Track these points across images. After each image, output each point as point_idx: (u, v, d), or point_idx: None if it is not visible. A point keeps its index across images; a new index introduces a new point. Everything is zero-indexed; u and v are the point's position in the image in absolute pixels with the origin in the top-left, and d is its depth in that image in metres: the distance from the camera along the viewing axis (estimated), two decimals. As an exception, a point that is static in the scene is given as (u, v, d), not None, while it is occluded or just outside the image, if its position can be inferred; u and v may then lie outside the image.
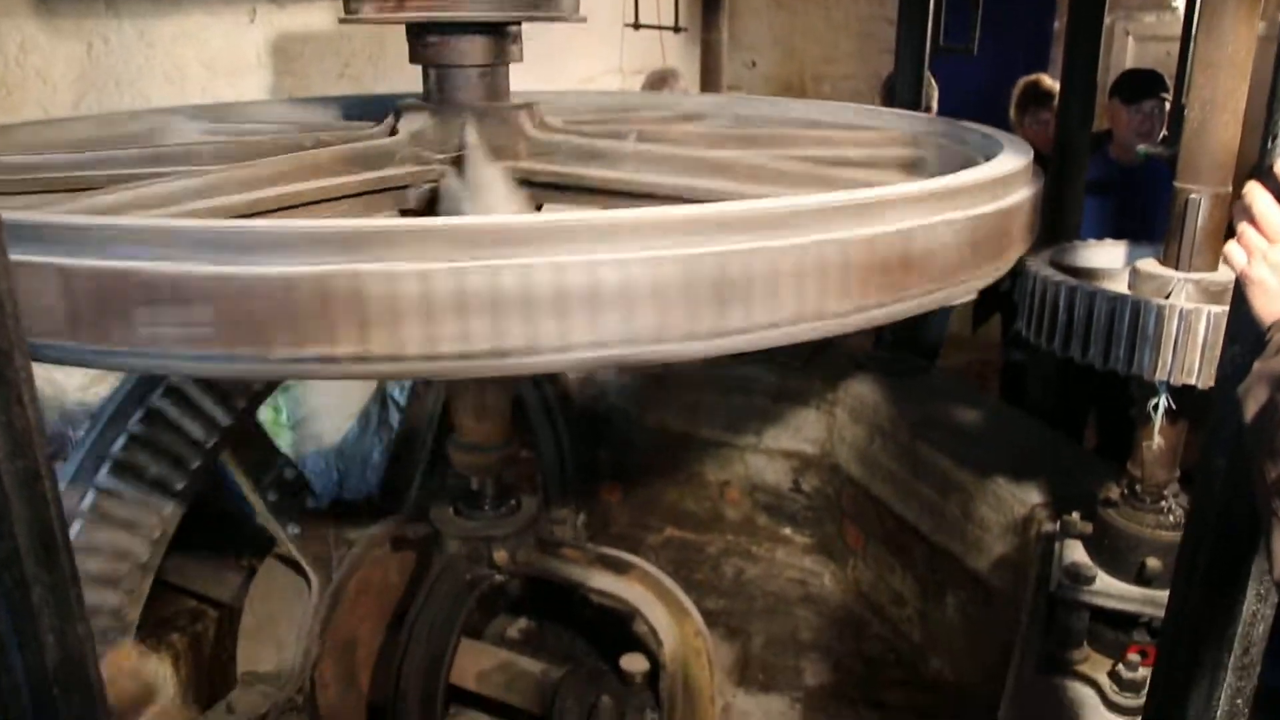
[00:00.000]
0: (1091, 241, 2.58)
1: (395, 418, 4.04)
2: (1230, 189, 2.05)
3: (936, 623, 3.54)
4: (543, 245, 1.10)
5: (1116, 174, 4.40)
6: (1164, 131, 4.24)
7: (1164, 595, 1.92)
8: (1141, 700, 2.08)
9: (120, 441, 2.25)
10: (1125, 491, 2.37)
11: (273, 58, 3.48)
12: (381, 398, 4.14)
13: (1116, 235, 2.59)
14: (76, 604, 0.88)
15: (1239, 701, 1.47)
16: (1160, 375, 2.05)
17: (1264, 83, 2.10)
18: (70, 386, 2.86)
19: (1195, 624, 1.47)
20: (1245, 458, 1.26)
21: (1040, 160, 1.99)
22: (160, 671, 2.68)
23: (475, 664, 2.75)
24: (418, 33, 1.81)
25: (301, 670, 2.62)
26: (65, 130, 2.28)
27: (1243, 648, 1.43)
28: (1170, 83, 4.13)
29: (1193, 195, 2.06)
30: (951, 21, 3.97)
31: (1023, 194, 1.65)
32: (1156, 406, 2.19)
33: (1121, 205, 4.34)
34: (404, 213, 1.80)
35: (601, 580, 2.62)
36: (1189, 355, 2.01)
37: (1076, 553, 2.41)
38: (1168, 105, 4.16)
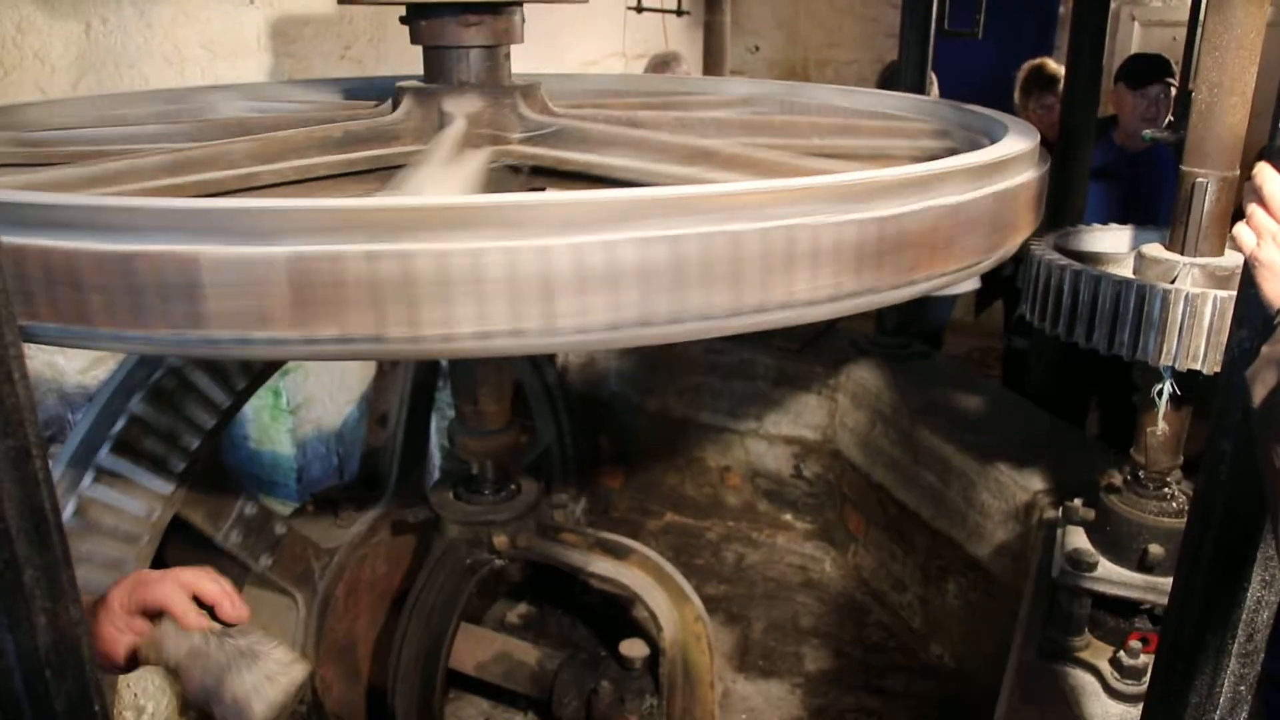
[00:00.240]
0: (1096, 226, 2.56)
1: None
2: (1238, 173, 2.03)
3: (937, 609, 3.54)
4: (414, 231, 1.04)
5: (1121, 160, 4.38)
6: (1169, 117, 4.23)
7: (1166, 582, 1.92)
8: (1143, 687, 2.08)
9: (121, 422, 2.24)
10: (1128, 478, 2.36)
11: (273, 40, 3.45)
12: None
13: (1121, 222, 2.57)
14: (69, 585, 0.87)
15: (1242, 688, 1.46)
16: (1165, 361, 2.04)
17: (1273, 67, 2.09)
18: (70, 370, 2.85)
19: (1199, 609, 1.46)
20: (1252, 442, 1.25)
21: (1045, 145, 1.97)
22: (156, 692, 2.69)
23: (474, 649, 2.75)
24: (417, 13, 1.80)
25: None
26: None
27: (1246, 634, 1.42)
28: (1176, 68, 4.11)
29: (1199, 179, 2.05)
30: (956, 5, 3.94)
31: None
32: (1161, 392, 2.18)
33: (1126, 191, 4.32)
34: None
35: (601, 565, 2.61)
36: (1194, 340, 1.99)
37: (1078, 539, 2.40)
38: (1173, 91, 4.14)
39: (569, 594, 2.98)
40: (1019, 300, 2.51)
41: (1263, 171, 1.27)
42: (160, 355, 2.17)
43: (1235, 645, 1.43)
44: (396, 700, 2.54)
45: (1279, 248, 1.24)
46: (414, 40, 1.85)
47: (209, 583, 1.41)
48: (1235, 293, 1.39)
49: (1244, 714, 1.49)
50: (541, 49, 2.61)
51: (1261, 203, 1.27)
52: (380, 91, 2.15)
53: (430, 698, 2.53)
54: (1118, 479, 2.39)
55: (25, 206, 1.07)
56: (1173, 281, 2.09)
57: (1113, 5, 4.07)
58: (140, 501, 2.24)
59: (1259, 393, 1.17)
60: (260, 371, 2.44)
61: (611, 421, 4.60)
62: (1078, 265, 2.19)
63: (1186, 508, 2.16)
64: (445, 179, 1.42)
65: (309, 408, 3.81)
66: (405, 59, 2.19)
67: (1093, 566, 2.29)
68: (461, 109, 1.72)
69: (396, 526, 2.90)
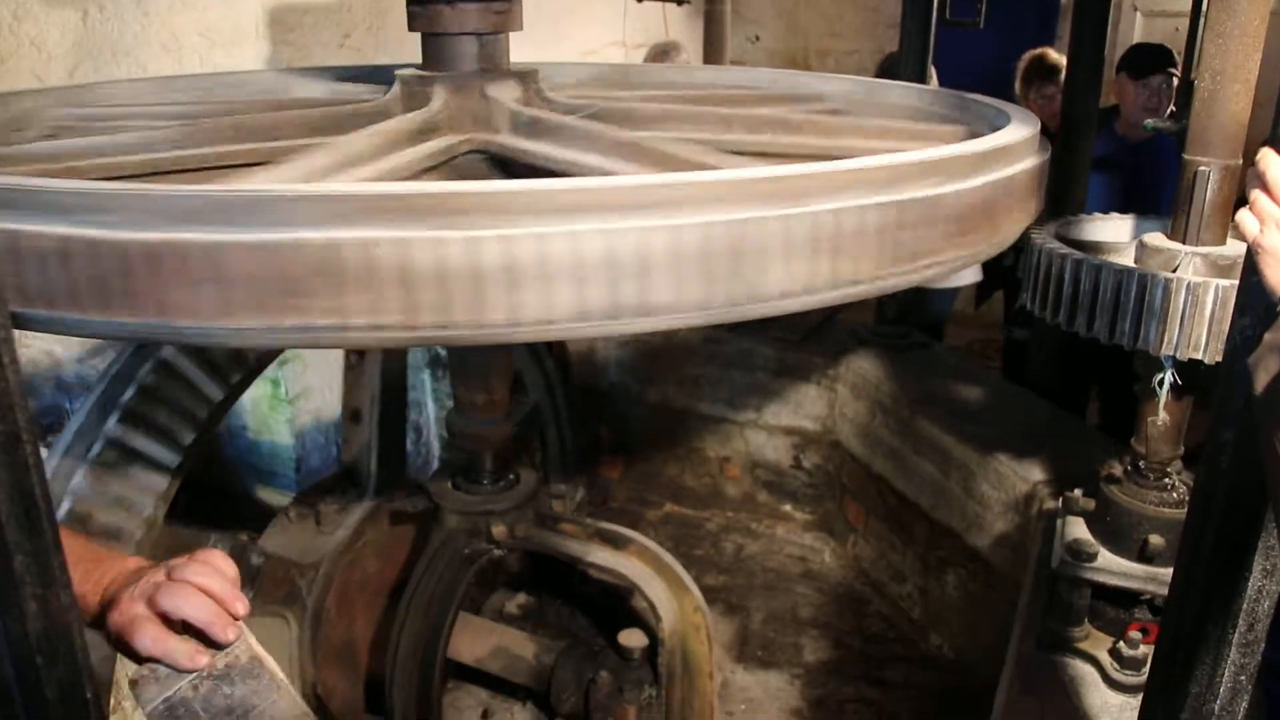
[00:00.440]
0: (1097, 215, 2.55)
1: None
2: (1240, 162, 2.02)
3: (937, 600, 3.54)
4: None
5: (1123, 150, 4.36)
6: (1171, 107, 4.21)
7: (1166, 573, 1.92)
8: (1142, 678, 2.07)
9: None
10: (1128, 468, 2.35)
11: (271, 28, 3.44)
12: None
13: (1123, 212, 2.56)
14: (60, 571, 0.86)
15: (1243, 678, 1.45)
16: (1166, 350, 2.03)
17: (1276, 55, 2.08)
18: (67, 359, 2.85)
19: (1200, 599, 1.45)
20: (1254, 431, 1.24)
21: (1046, 135, 1.96)
22: None
23: (473, 639, 2.74)
24: (414, -2, 1.78)
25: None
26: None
27: (1247, 623, 1.42)
28: (1178, 58, 4.09)
29: (1202, 167, 2.03)
30: (957, -6, 3.92)
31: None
32: (1162, 382, 2.17)
33: (1128, 181, 4.30)
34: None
35: (600, 555, 2.60)
36: (1195, 330, 1.98)
37: (1078, 530, 2.39)
38: (1175, 80, 4.12)
39: (568, 584, 2.97)
40: (1019, 291, 2.50)
41: (1266, 157, 1.26)
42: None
43: (1236, 635, 1.42)
44: (395, 691, 2.54)
45: (1282, 234, 1.23)
46: (412, 27, 1.84)
47: (213, 580, 1.29)
48: (1237, 282, 1.38)
49: (1244, 704, 1.48)
50: (542, 38, 2.59)
51: (1265, 188, 1.26)
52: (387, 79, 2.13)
53: (429, 688, 2.52)
54: (1118, 469, 2.39)
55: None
56: (1174, 270, 2.08)
57: (1115, -5, 4.05)
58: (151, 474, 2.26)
59: (1261, 380, 1.16)
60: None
61: (611, 411, 4.60)
62: (1079, 254, 2.17)
63: (1187, 498, 2.15)
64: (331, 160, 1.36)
65: (307, 398, 3.81)
66: (404, 48, 2.18)
67: (1093, 557, 2.29)
68: (445, 95, 1.70)
69: (395, 517, 2.89)
